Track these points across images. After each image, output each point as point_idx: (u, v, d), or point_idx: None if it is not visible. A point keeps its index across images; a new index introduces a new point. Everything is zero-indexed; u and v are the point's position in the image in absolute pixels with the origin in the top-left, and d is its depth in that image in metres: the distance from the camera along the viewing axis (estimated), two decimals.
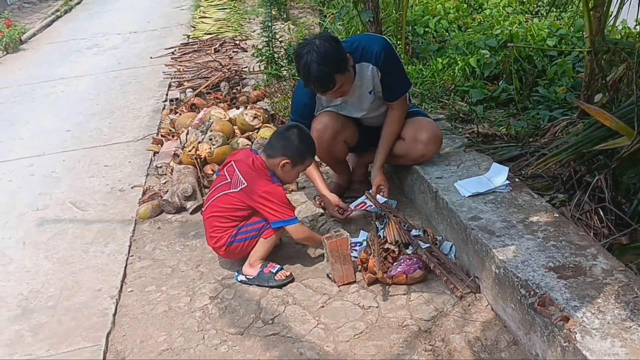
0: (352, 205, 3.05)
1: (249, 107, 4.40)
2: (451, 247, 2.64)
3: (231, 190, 2.67)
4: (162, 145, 4.17)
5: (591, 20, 3.56)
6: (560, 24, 5.76)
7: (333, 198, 3.02)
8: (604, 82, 3.39)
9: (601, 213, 2.54)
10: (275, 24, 6.38)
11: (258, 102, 4.82)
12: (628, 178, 2.72)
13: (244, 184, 2.64)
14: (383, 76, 2.87)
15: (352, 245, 2.72)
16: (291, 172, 2.75)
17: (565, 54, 4.85)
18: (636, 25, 3.01)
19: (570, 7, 5.79)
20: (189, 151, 3.65)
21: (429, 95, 4.60)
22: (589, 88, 3.57)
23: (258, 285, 2.64)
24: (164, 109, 5.12)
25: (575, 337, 1.75)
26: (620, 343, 1.69)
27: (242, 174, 2.67)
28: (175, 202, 3.35)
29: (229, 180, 2.71)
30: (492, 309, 2.30)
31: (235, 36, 7.17)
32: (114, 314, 2.58)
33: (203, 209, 2.83)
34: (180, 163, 3.70)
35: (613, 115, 2.62)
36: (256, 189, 2.62)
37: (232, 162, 2.77)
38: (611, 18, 3.74)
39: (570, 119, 3.60)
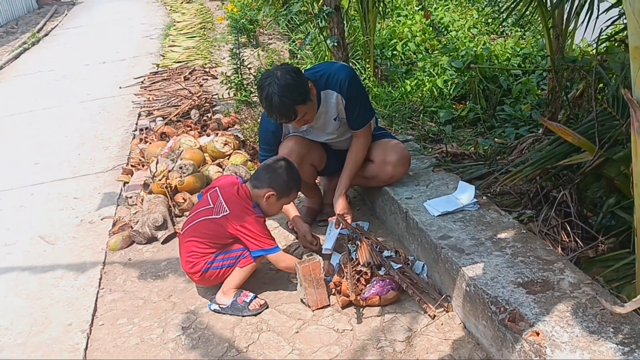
0: (329, 246, 2.94)
1: (219, 134, 4.39)
2: (423, 267, 2.66)
3: (213, 217, 2.65)
4: (132, 175, 4.14)
5: (551, 39, 3.67)
6: (524, 44, 5.91)
7: (303, 229, 2.99)
8: (565, 99, 3.48)
9: (568, 227, 2.59)
10: (244, 50, 6.43)
11: (229, 129, 4.82)
12: (592, 192, 2.78)
13: (226, 211, 2.63)
14: (347, 104, 2.91)
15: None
16: (275, 204, 2.75)
17: (529, 73, 4.97)
18: (595, 42, 3.10)
19: (531, 27, 5.95)
20: (159, 180, 3.63)
21: (398, 116, 4.66)
22: (552, 105, 3.66)
23: (231, 314, 2.61)
24: (133, 138, 5.09)
25: (545, 351, 1.77)
26: (589, 355, 1.71)
27: (226, 201, 2.66)
28: (145, 232, 3.32)
29: (212, 205, 2.68)
30: (464, 327, 2.31)
31: (205, 64, 7.19)
32: (85, 349, 2.53)
33: (181, 232, 2.80)
34: (150, 193, 3.67)
35: (575, 131, 2.68)
36: (238, 217, 2.61)
37: (217, 187, 2.76)
38: (569, 37, 3.85)
39: (536, 136, 3.68)
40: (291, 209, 3.05)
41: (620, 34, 3.36)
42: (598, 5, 3.29)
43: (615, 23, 3.02)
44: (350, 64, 5.15)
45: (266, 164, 2.82)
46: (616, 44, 3.33)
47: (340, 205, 3.01)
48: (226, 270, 2.66)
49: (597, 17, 3.22)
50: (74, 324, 2.70)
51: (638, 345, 1.71)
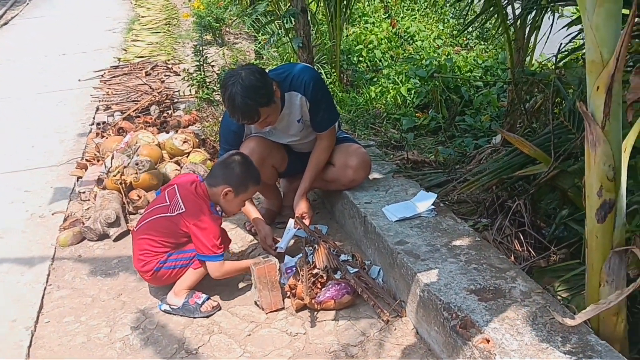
0: (282, 245, 2.92)
1: (179, 132, 4.32)
2: (379, 272, 2.66)
3: (168, 214, 2.59)
4: (86, 170, 4.02)
5: (512, 52, 3.74)
6: (486, 57, 6.02)
7: (264, 232, 2.94)
8: (523, 111, 3.55)
9: (521, 237, 2.63)
10: (209, 48, 6.36)
11: (189, 127, 4.74)
12: (546, 203, 2.83)
13: (182, 209, 2.56)
14: (312, 106, 2.89)
15: (287, 269, 2.70)
16: (234, 201, 2.67)
17: (490, 85, 5.06)
18: (554, 57, 3.17)
19: (494, 40, 6.07)
20: (114, 176, 3.53)
21: (361, 122, 4.68)
22: (511, 117, 3.72)
23: (182, 316, 2.55)
24: (90, 132, 4.95)
25: (495, 358, 1.78)
26: None
27: (183, 198, 2.59)
28: (97, 228, 3.22)
29: (168, 203, 2.62)
30: (417, 333, 2.31)
31: (168, 60, 7.07)
32: (29, 347, 2.44)
33: (135, 228, 2.73)
34: (104, 188, 3.57)
35: (532, 143, 2.72)
36: (193, 215, 2.55)
37: (175, 185, 2.69)
38: (529, 51, 3.93)
39: (494, 146, 3.73)
40: (252, 210, 3.00)
41: (578, 52, 3.44)
42: (552, 21, 3.36)
43: (575, 39, 3.09)
44: (316, 67, 5.14)
45: (220, 160, 2.76)
46: (575, 59, 3.41)
47: (300, 205, 2.99)
48: (179, 271, 2.60)
49: (549, 32, 3.29)
50: (18, 320, 2.61)
51: (585, 354, 1.73)
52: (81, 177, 3.97)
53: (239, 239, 3.17)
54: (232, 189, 2.62)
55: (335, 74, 5.54)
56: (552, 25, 3.83)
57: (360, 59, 6.42)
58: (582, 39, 2.99)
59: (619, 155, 1.72)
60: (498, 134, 4.19)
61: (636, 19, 1.65)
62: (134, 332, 2.48)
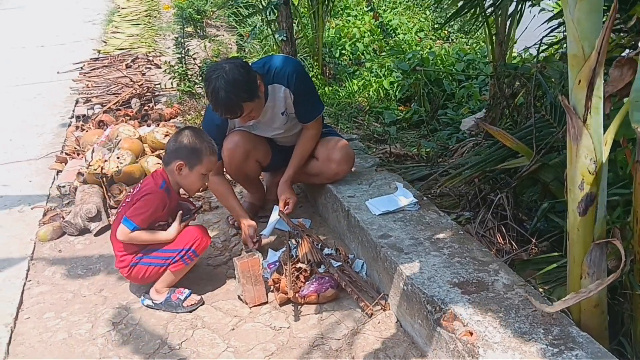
0: (266, 232, 2.91)
1: (160, 125, 4.27)
2: (362, 265, 2.66)
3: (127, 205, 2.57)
4: (66, 164, 3.96)
5: (494, 46, 3.75)
6: (469, 50, 6.05)
7: (249, 227, 2.89)
8: (505, 104, 3.57)
9: (504, 230, 2.65)
10: (190, 40, 6.30)
11: (171, 120, 4.69)
12: (528, 196, 2.86)
13: (131, 196, 2.56)
14: (295, 98, 2.87)
15: (270, 264, 2.69)
16: (191, 174, 2.57)
17: (472, 78, 5.09)
18: (536, 50, 3.19)
19: (475, 33, 6.09)
20: (95, 170, 3.49)
21: (344, 115, 4.67)
22: (493, 110, 3.74)
23: (165, 311, 2.53)
24: (69, 125, 4.88)
25: (478, 351, 1.79)
26: (520, 356, 1.74)
27: (141, 185, 2.58)
28: (78, 223, 3.18)
29: (132, 192, 2.60)
30: (400, 326, 2.32)
31: (149, 52, 6.99)
32: (8, 343, 2.39)
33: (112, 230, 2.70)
34: (84, 182, 3.52)
35: (514, 136, 2.74)
36: (139, 191, 2.53)
37: (141, 180, 2.67)
38: (511, 45, 3.96)
39: (476, 140, 3.75)
40: (237, 206, 2.97)
41: (557, 45, 3.46)
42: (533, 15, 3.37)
43: (556, 32, 3.11)
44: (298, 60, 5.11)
45: (170, 138, 2.68)
46: (555, 53, 3.44)
47: (285, 192, 2.98)
48: (154, 270, 2.55)
49: (530, 25, 3.30)
50: None
51: (567, 346, 1.75)
52: (61, 171, 3.92)
53: (222, 234, 3.15)
54: (184, 162, 2.53)
55: (317, 67, 5.52)
56: (532, 18, 3.86)
57: (343, 52, 6.42)
58: (563, 32, 3.02)
59: (601, 148, 1.73)
60: (467, 120, 4.22)
61: (617, 13, 1.66)
62: (115, 327, 2.45)
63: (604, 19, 1.68)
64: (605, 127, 1.76)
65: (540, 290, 2.17)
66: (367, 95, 5.20)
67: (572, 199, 1.81)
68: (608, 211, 1.90)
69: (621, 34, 2.45)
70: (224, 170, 3.06)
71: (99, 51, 7.18)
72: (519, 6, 3.54)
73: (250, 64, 2.81)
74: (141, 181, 2.65)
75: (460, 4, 3.56)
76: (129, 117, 4.62)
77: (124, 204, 2.61)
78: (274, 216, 2.90)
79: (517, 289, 2.06)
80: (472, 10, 3.57)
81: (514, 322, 1.88)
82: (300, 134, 3.04)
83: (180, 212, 2.61)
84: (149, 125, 4.39)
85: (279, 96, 2.85)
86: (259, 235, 2.88)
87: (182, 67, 5.28)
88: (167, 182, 2.57)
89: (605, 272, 1.84)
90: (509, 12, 3.71)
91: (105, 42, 7.65)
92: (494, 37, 3.81)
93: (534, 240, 2.55)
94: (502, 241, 2.60)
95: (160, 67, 6.20)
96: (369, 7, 7.82)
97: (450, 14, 3.92)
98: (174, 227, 2.56)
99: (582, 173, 1.75)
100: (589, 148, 1.72)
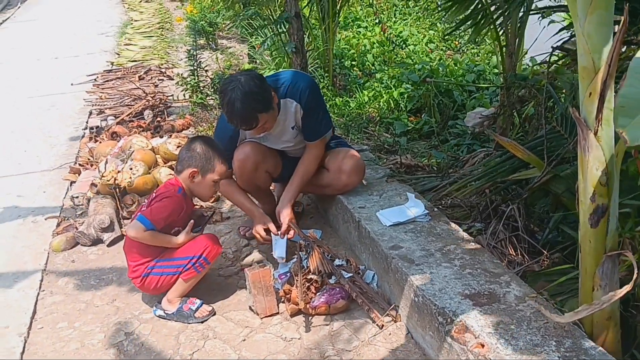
0: (281, 254, 2.84)
1: (172, 136, 4.31)
2: (373, 276, 2.66)
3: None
4: (79, 175, 4.01)
5: (504, 57, 3.76)
6: (479, 60, 6.06)
7: (263, 219, 2.92)
8: (516, 116, 3.57)
9: (515, 241, 2.64)
10: (202, 52, 6.36)
11: (183, 131, 4.73)
12: (540, 207, 2.85)
13: (146, 205, 2.59)
14: (305, 114, 2.89)
15: (281, 275, 2.69)
16: (203, 182, 2.63)
17: (483, 89, 5.09)
18: (546, 62, 3.19)
19: (486, 44, 6.11)
20: (108, 181, 3.52)
21: (354, 126, 4.69)
22: (503, 121, 3.74)
23: (177, 321, 2.55)
24: (83, 137, 4.94)
25: None
26: None
27: (156, 192, 2.61)
28: (91, 233, 3.21)
29: (145, 203, 2.63)
30: (412, 337, 2.32)
31: (162, 64, 7.07)
32: (22, 353, 2.42)
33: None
34: (97, 193, 3.56)
35: (525, 147, 2.74)
36: (157, 197, 2.57)
37: (155, 190, 2.70)
38: (522, 56, 3.96)
39: (487, 150, 3.75)
40: (246, 201, 3.00)
41: (567, 58, 3.46)
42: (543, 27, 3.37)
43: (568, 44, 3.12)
44: (309, 72, 5.15)
45: (183, 147, 2.74)
46: (566, 66, 3.43)
47: (285, 214, 2.93)
48: (167, 279, 2.57)
49: (541, 37, 3.31)
50: (11, 326, 2.59)
51: (579, 359, 1.74)
52: (74, 182, 3.96)
53: (233, 244, 3.16)
54: (197, 169, 2.60)
55: (328, 78, 5.56)
56: (542, 29, 3.86)
57: (353, 63, 6.45)
58: (573, 41, 3.02)
59: (612, 160, 1.73)
60: (472, 114, 4.21)
61: (627, 26, 1.66)
62: (128, 338, 2.47)
63: (614, 31, 1.69)
64: (617, 139, 1.76)
65: (552, 302, 2.16)
66: (377, 106, 5.23)
67: (584, 210, 1.80)
68: (620, 223, 1.89)
69: (632, 46, 2.45)
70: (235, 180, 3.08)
71: (112, 63, 7.27)
72: (524, 16, 3.55)
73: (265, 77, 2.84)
74: (154, 191, 2.68)
75: (467, 12, 3.57)
76: (141, 129, 4.67)
77: (142, 209, 2.64)
78: (277, 240, 2.88)
79: (528, 300, 2.05)
80: (480, 18, 3.58)
81: (526, 335, 1.88)
82: (304, 153, 3.04)
83: (192, 221, 2.64)
84: (161, 137, 4.43)
85: (291, 111, 2.88)
86: (278, 259, 2.84)
87: (194, 79, 5.33)
88: (183, 188, 2.63)
89: (617, 284, 1.83)
90: (518, 22, 3.72)
91: (119, 54, 7.75)
92: (503, 49, 3.82)
93: (545, 252, 2.53)
94: (514, 253, 2.60)
95: (172, 79, 6.26)
96: (377, 20, 7.86)
97: (459, 20, 3.92)
98: (183, 233, 2.60)
99: (593, 185, 1.75)
100: (600, 160, 1.71)
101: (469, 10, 3.58)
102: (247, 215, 3.08)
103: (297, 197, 3.12)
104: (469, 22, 3.63)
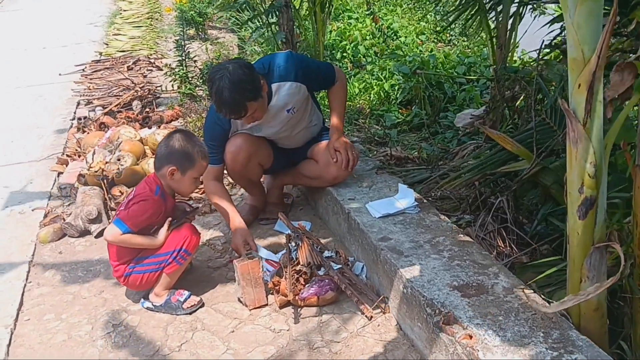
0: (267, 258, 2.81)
1: (161, 127, 4.28)
2: (362, 268, 2.66)
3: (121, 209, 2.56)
4: (67, 166, 3.97)
5: (494, 49, 3.76)
6: (470, 53, 6.06)
7: (242, 236, 2.79)
8: (506, 107, 3.57)
9: (504, 233, 2.65)
10: (192, 43, 6.31)
11: (172, 122, 4.70)
12: (528, 199, 2.86)
13: (124, 204, 2.54)
14: (308, 80, 2.92)
15: (268, 261, 2.69)
16: (183, 179, 2.53)
17: (473, 81, 5.09)
18: (537, 54, 3.18)
19: (476, 36, 6.10)
20: (95, 172, 3.49)
21: (345, 118, 4.66)
22: (493, 114, 3.74)
23: (165, 313, 2.53)
24: (71, 127, 4.89)
25: (477, 354, 1.79)
26: (519, 359, 1.74)
27: (134, 190, 2.57)
28: (78, 225, 3.18)
29: (125, 201, 2.59)
30: (400, 328, 2.32)
31: (151, 54, 7.00)
32: (8, 345, 2.40)
33: None
34: (85, 184, 3.53)
35: (514, 139, 2.74)
36: (134, 197, 2.51)
37: (135, 187, 2.65)
38: (512, 48, 3.96)
39: (477, 143, 3.76)
40: (231, 212, 2.88)
41: (557, 50, 3.46)
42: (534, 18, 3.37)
43: (558, 37, 3.11)
44: None
45: (160, 142, 2.63)
46: (556, 58, 3.44)
47: (342, 141, 3.03)
48: (150, 276, 2.52)
49: (531, 29, 3.30)
50: None
51: (567, 349, 1.75)
52: (62, 173, 3.93)
53: (222, 236, 3.15)
54: (176, 167, 2.50)
55: None
56: (532, 21, 3.86)
57: (344, 54, 6.42)
58: (564, 36, 3.02)
59: (600, 152, 1.73)
60: (462, 115, 4.23)
61: (617, 17, 1.66)
62: (115, 329, 2.45)
63: (604, 23, 1.68)
64: (605, 131, 1.76)
65: (541, 293, 2.17)
66: (368, 98, 5.22)
67: (572, 202, 1.81)
68: (608, 215, 1.90)
69: (621, 38, 2.46)
70: (225, 171, 3.06)
71: (100, 53, 7.20)
72: (520, 9, 3.54)
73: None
74: (133, 190, 2.61)
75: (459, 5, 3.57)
76: (130, 119, 4.63)
77: (121, 208, 2.60)
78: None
79: (517, 292, 2.06)
80: (472, 9, 3.57)
81: (514, 326, 1.88)
82: (328, 96, 3.13)
83: (169, 219, 2.56)
84: (150, 128, 4.39)
85: (284, 93, 2.86)
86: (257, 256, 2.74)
87: (183, 69, 5.28)
88: (161, 187, 2.54)
89: (605, 276, 1.84)
90: (510, 14, 3.71)
91: (107, 45, 7.66)
92: (494, 40, 3.82)
93: (534, 244, 2.55)
94: (502, 244, 2.61)
95: (161, 70, 6.20)
96: (369, 11, 7.84)
97: (451, 12, 3.92)
98: (162, 233, 2.52)
99: (582, 177, 1.75)
100: (589, 152, 1.72)
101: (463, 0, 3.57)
102: (227, 223, 2.96)
103: (343, 125, 3.17)
104: (461, 14, 3.61)
